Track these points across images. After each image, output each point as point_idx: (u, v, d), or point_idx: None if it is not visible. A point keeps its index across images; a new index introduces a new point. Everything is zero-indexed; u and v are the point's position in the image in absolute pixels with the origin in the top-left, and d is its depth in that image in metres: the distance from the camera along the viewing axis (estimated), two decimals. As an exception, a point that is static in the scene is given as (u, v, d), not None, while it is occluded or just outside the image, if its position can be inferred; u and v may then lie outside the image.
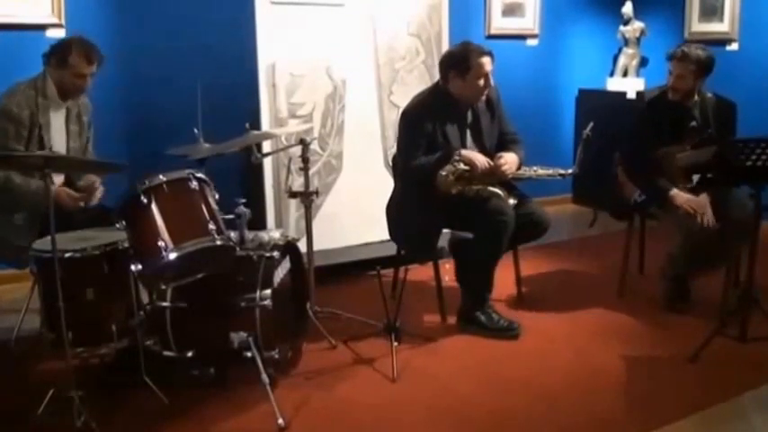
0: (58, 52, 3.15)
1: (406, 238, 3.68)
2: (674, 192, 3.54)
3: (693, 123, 3.60)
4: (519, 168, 3.55)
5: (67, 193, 3.19)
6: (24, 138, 3.08)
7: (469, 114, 3.59)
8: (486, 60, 3.42)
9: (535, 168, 3.60)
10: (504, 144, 3.63)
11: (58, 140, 3.25)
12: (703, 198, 3.49)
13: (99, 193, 3.26)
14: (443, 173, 3.39)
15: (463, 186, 3.41)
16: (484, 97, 3.55)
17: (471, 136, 3.59)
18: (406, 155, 3.52)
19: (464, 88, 3.47)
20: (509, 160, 3.47)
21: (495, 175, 3.44)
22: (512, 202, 3.45)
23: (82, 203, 3.21)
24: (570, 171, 3.67)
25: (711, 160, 3.16)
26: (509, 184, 3.57)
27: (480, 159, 3.42)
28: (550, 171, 3.62)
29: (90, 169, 3.28)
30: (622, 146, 3.85)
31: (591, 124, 3.63)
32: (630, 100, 5.70)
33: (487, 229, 3.39)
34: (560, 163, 6.10)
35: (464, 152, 3.44)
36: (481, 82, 3.45)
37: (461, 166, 3.40)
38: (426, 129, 3.47)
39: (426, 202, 3.46)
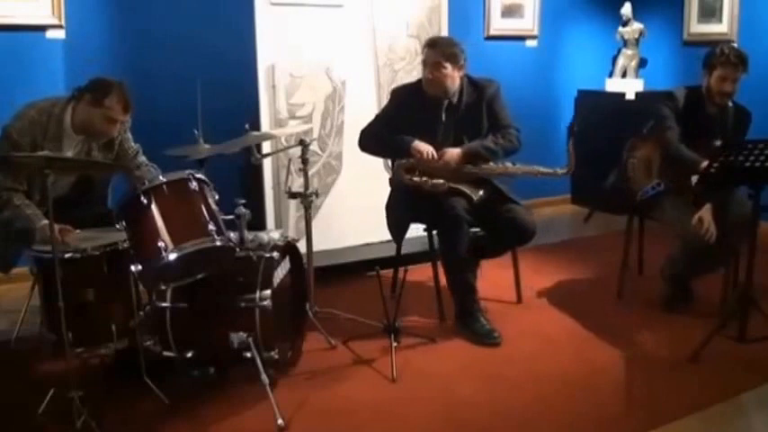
0: (97, 90, 3.02)
1: (388, 227, 3.74)
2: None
3: (718, 142, 3.49)
4: (466, 159, 3.47)
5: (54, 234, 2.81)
6: None
7: (445, 107, 3.56)
8: (425, 52, 3.50)
9: (508, 164, 3.53)
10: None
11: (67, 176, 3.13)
12: (706, 212, 3.44)
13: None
14: (399, 163, 3.53)
15: (419, 178, 3.44)
16: (454, 92, 3.54)
17: (444, 130, 3.56)
18: (371, 123, 3.65)
19: (423, 81, 3.55)
20: (447, 157, 3.45)
21: (446, 169, 3.44)
22: (480, 195, 3.45)
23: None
24: (564, 170, 3.53)
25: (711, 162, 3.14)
26: (483, 181, 3.53)
27: (424, 150, 3.43)
28: (528, 168, 3.52)
29: (91, 169, 3.28)
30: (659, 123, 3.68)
31: (573, 119, 3.56)
32: (630, 101, 5.71)
33: (442, 226, 3.45)
34: (559, 164, 6.15)
35: (415, 143, 3.46)
36: (428, 74, 3.49)
37: (410, 159, 3.49)
38: (402, 111, 3.56)
39: (399, 197, 3.57)
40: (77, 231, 2.98)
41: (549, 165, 3.57)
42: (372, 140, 3.62)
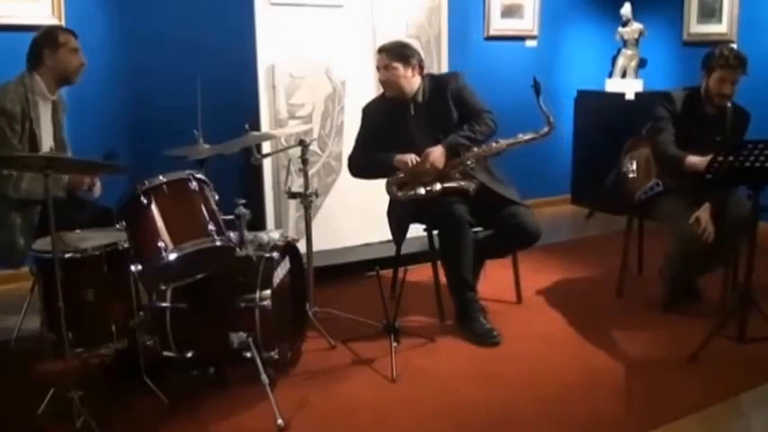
0: (47, 40, 3.24)
1: (390, 232, 3.76)
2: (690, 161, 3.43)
3: (718, 138, 3.49)
4: (449, 153, 3.46)
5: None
6: (18, 132, 3.13)
7: (412, 108, 3.59)
8: (377, 58, 3.60)
9: (492, 144, 3.52)
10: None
11: (47, 133, 3.29)
12: (704, 212, 3.44)
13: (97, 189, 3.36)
14: (388, 181, 3.54)
15: (414, 190, 3.46)
16: (420, 90, 3.57)
17: (417, 130, 3.57)
18: (353, 148, 3.73)
19: (381, 86, 3.66)
20: (432, 157, 3.43)
21: (431, 171, 3.45)
22: (474, 185, 3.45)
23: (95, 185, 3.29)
24: (546, 129, 3.55)
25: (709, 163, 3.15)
26: (467, 173, 3.53)
27: (407, 159, 3.46)
28: (513, 140, 3.53)
29: (91, 170, 3.29)
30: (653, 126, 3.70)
31: (534, 76, 3.44)
32: (629, 101, 5.72)
33: (443, 228, 3.46)
34: (559, 164, 6.18)
35: (396, 158, 3.49)
36: (381, 77, 3.58)
37: (398, 174, 3.52)
38: (374, 125, 3.63)
39: (399, 204, 3.58)
40: (77, 231, 2.99)
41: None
42: (358, 167, 3.70)
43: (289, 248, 3.17)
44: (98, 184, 3.34)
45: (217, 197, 2.88)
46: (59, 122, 3.41)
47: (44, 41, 3.25)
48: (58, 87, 3.33)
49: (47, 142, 3.26)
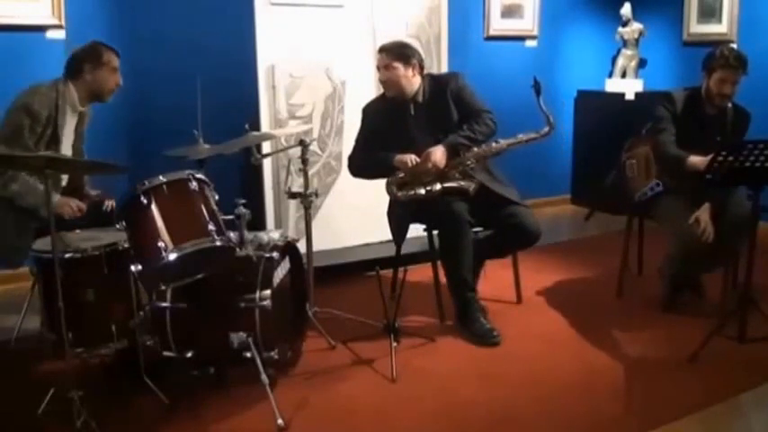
0: (92, 55, 3.25)
1: (391, 232, 3.75)
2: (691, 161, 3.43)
3: (718, 138, 3.48)
4: (449, 153, 3.46)
5: (69, 202, 3.20)
6: (37, 134, 3.14)
7: (412, 108, 3.60)
8: (377, 58, 3.61)
9: (492, 144, 3.52)
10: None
11: (68, 141, 3.32)
12: (704, 212, 3.44)
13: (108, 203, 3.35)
14: (388, 181, 3.53)
15: (414, 190, 3.47)
16: (420, 90, 3.58)
17: (418, 130, 3.57)
18: (353, 148, 3.74)
19: (382, 85, 3.67)
20: (433, 157, 3.43)
21: (431, 172, 3.45)
22: (474, 185, 3.45)
23: (80, 214, 3.22)
24: (546, 129, 3.55)
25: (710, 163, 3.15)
26: (466, 173, 3.53)
27: (407, 159, 3.46)
28: (513, 140, 3.53)
29: (91, 170, 3.29)
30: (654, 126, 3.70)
31: (534, 77, 3.43)
32: (629, 101, 5.72)
33: (443, 227, 3.47)
34: (559, 164, 6.18)
35: (396, 158, 3.49)
36: (381, 76, 3.59)
37: (398, 174, 3.52)
38: (374, 125, 3.63)
39: (399, 204, 3.58)
40: (77, 231, 2.99)
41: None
42: (358, 167, 3.70)
43: (289, 248, 3.17)
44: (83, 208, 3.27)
45: (217, 197, 2.88)
46: (81, 133, 3.42)
47: (88, 56, 3.25)
48: (89, 102, 3.35)
49: (66, 150, 3.27)
